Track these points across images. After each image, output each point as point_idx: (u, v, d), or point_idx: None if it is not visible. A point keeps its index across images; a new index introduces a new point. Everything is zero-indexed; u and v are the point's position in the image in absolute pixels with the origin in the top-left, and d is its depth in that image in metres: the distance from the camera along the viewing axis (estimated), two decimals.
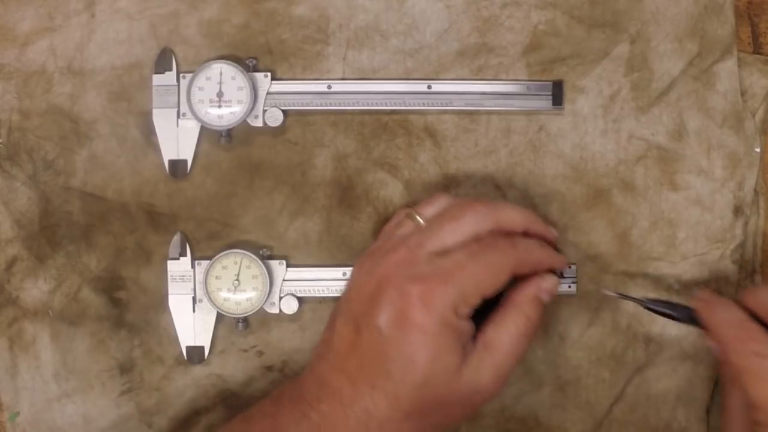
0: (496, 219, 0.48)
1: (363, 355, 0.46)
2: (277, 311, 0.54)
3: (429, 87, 0.54)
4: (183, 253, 0.55)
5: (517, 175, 0.55)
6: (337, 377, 0.46)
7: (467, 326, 0.46)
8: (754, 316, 0.47)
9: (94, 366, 0.55)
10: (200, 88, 0.54)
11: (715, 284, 0.55)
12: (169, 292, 0.55)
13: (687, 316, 0.50)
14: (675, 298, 0.53)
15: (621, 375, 0.55)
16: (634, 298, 0.51)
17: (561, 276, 0.51)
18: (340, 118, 0.55)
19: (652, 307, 0.51)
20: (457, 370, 0.46)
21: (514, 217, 0.49)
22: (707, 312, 0.49)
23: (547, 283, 0.49)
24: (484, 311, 0.47)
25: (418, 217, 0.49)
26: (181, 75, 0.54)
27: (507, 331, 0.47)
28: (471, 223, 0.47)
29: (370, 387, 0.45)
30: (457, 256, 0.46)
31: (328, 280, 0.54)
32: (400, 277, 0.46)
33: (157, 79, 0.54)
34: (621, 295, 0.52)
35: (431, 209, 0.50)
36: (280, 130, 0.55)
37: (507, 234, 0.48)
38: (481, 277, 0.46)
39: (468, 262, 0.46)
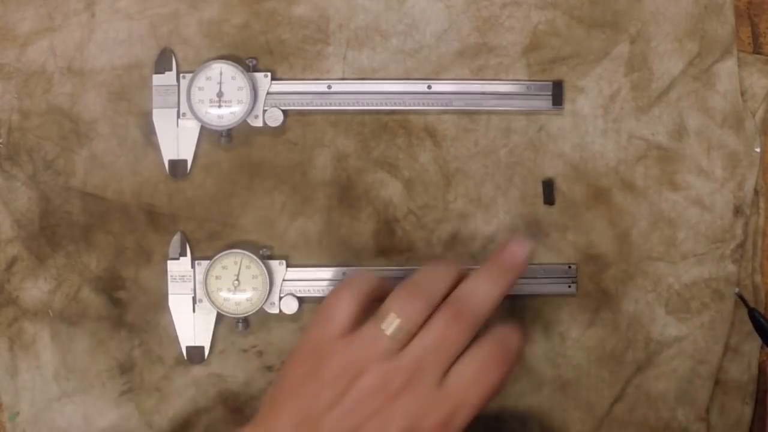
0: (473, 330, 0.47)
1: None
2: (277, 311, 0.54)
3: (429, 87, 0.54)
4: (183, 253, 0.55)
5: (517, 175, 0.55)
6: None
7: None
8: None
9: (94, 366, 0.55)
10: (200, 88, 0.54)
11: (716, 284, 0.55)
12: (169, 292, 0.55)
13: None
14: None
15: (621, 375, 0.55)
16: (746, 302, 0.54)
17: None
18: (340, 118, 0.55)
19: (755, 315, 0.53)
20: None
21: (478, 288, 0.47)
22: None
23: None
24: None
25: (406, 324, 0.45)
26: (181, 75, 0.54)
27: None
28: (463, 341, 0.46)
29: None
30: (464, 378, 0.45)
31: (328, 280, 0.54)
32: (410, 403, 0.44)
33: (157, 79, 0.54)
34: (740, 295, 0.54)
35: (412, 310, 0.46)
36: (280, 130, 0.55)
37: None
38: (484, 400, 0.45)
39: (473, 387, 0.45)
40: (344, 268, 0.54)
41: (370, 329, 0.46)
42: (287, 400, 0.46)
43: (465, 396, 0.45)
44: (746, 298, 0.54)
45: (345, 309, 0.47)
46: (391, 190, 0.55)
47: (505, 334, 0.47)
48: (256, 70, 0.54)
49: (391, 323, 0.45)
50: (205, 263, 0.54)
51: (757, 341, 0.54)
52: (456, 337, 0.46)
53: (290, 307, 0.54)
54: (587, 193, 0.55)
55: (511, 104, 0.54)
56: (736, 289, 0.54)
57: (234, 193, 0.55)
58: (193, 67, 0.54)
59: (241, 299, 0.54)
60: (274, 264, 0.54)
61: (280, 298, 0.54)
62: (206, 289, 0.54)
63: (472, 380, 0.45)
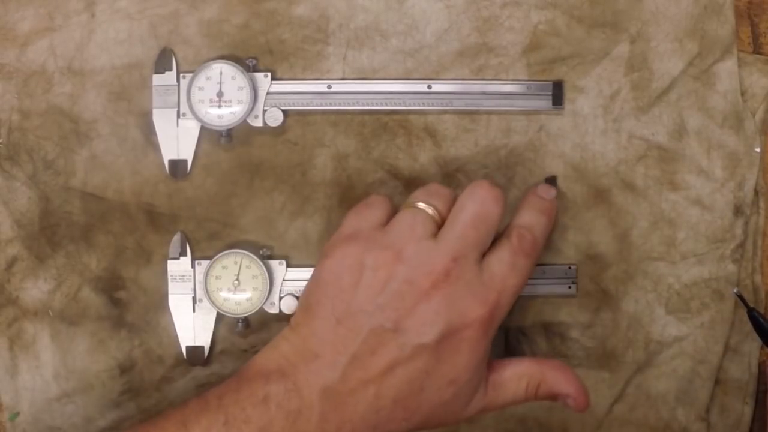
0: (503, 199, 0.47)
1: (403, 377, 0.44)
2: (277, 311, 0.54)
3: (429, 87, 0.54)
4: (183, 253, 0.55)
5: (517, 175, 0.55)
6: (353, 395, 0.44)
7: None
8: None
9: (94, 366, 0.55)
10: (200, 88, 0.54)
11: (716, 284, 0.55)
12: (169, 292, 0.55)
13: None
14: None
15: (621, 375, 0.55)
16: (746, 302, 0.54)
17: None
18: (340, 118, 0.55)
19: (754, 315, 0.53)
20: (474, 396, 0.46)
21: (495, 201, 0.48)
22: None
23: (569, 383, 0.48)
24: None
25: (434, 212, 0.46)
26: (181, 75, 0.54)
27: (518, 388, 0.47)
28: (497, 214, 0.46)
29: (400, 404, 0.44)
30: (501, 267, 0.45)
31: None
32: (453, 293, 0.44)
33: (157, 79, 0.54)
34: (739, 295, 0.54)
35: (437, 200, 0.47)
36: (280, 130, 0.55)
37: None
38: (520, 288, 0.46)
39: (511, 275, 0.46)
40: None
41: (404, 215, 0.46)
42: (325, 296, 0.45)
43: (504, 284, 0.45)
44: (746, 298, 0.54)
45: (380, 205, 0.47)
46: (391, 190, 0.55)
47: (531, 222, 0.47)
48: (256, 70, 0.54)
49: (423, 208, 0.46)
50: (205, 263, 0.54)
51: (757, 341, 0.54)
52: (490, 211, 0.46)
53: (290, 307, 0.54)
54: (587, 193, 0.55)
55: (511, 104, 0.54)
56: (735, 289, 0.54)
57: (234, 193, 0.55)
58: (193, 67, 0.54)
59: (241, 299, 0.54)
60: (274, 264, 0.54)
61: (280, 298, 0.54)
62: (206, 289, 0.54)
63: (509, 269, 0.45)
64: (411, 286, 0.44)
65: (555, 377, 0.47)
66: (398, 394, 0.44)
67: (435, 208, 0.46)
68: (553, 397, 0.48)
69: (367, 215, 0.47)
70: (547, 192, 0.50)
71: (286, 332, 0.46)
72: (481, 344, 0.44)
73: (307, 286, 0.47)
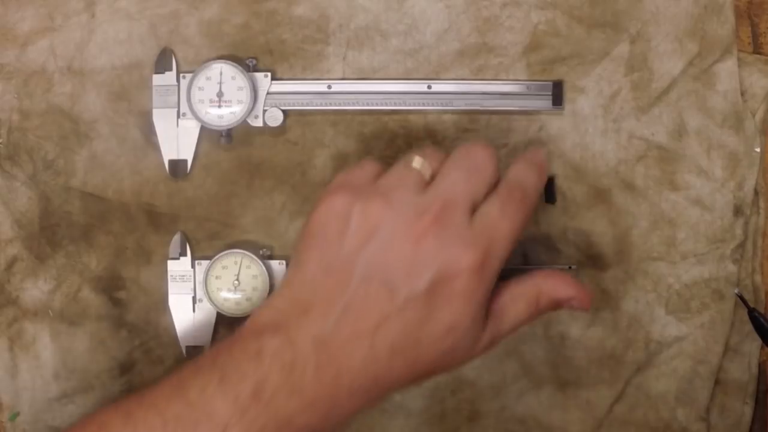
0: (496, 157, 0.46)
1: (396, 329, 0.42)
2: None
3: (429, 87, 0.54)
4: (183, 253, 0.55)
5: None
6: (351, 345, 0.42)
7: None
8: None
9: (94, 366, 0.55)
10: (200, 88, 0.54)
11: (716, 284, 0.55)
12: (169, 292, 0.55)
13: None
14: None
15: (621, 375, 0.55)
16: (746, 302, 0.53)
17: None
18: (340, 118, 0.55)
19: (754, 315, 0.53)
20: (479, 337, 0.44)
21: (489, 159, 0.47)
22: None
23: (575, 291, 0.46)
24: None
25: (425, 167, 0.45)
26: (181, 75, 0.54)
27: (518, 309, 0.45)
28: (490, 169, 0.45)
29: (398, 355, 0.42)
30: (491, 214, 0.44)
31: None
32: (443, 239, 0.42)
33: (157, 79, 0.54)
34: (740, 296, 0.54)
35: (431, 158, 0.46)
36: (280, 130, 0.55)
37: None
38: (513, 236, 0.44)
39: (502, 221, 0.44)
40: None
41: (397, 168, 0.45)
42: (314, 246, 0.44)
43: (495, 230, 0.43)
44: (746, 298, 0.54)
45: (371, 166, 0.46)
46: None
47: (520, 176, 0.46)
48: (256, 70, 0.54)
49: (417, 161, 0.45)
50: (205, 263, 0.54)
51: (757, 341, 0.54)
52: (483, 165, 0.45)
53: None
54: (587, 193, 0.55)
55: (511, 104, 0.54)
56: (736, 290, 0.54)
57: (234, 193, 0.55)
58: (193, 67, 0.54)
59: (241, 299, 0.54)
60: (274, 264, 0.54)
61: None
62: (206, 289, 0.54)
63: (499, 215, 0.44)
64: (398, 234, 0.42)
65: (552, 285, 0.46)
66: (394, 346, 0.42)
67: (428, 164, 0.45)
68: (557, 304, 0.46)
69: (357, 172, 0.46)
70: (538, 150, 0.49)
71: (280, 288, 0.45)
72: (477, 292, 0.43)
73: (297, 239, 0.46)
